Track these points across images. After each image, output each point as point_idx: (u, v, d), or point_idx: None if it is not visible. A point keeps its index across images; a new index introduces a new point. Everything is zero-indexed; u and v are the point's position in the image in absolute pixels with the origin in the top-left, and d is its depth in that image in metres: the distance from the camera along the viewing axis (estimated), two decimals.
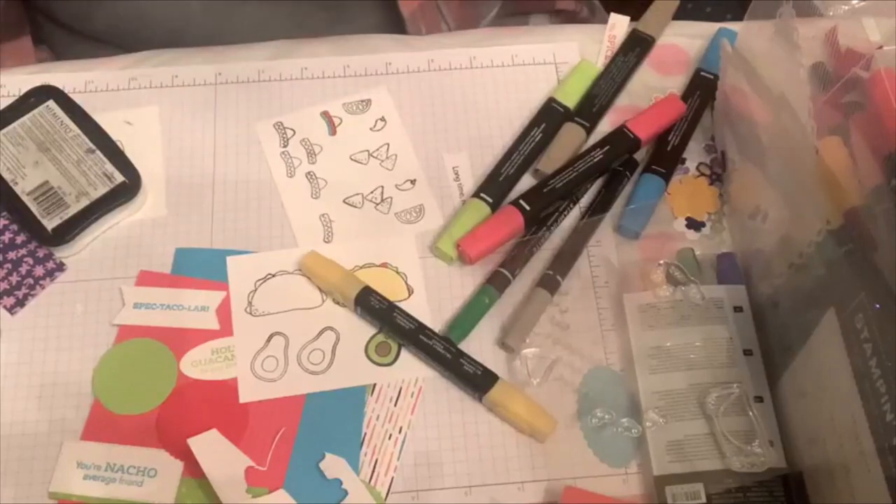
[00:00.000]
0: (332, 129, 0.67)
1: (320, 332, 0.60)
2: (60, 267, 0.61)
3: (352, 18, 0.77)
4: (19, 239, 0.61)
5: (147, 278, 0.61)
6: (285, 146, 0.66)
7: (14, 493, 0.54)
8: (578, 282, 0.62)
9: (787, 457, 0.54)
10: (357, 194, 0.65)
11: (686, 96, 0.68)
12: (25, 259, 0.61)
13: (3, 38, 0.74)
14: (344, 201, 0.64)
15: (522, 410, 0.56)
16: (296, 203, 0.64)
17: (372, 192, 0.65)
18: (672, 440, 0.55)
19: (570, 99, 0.68)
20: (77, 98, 0.65)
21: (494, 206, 0.63)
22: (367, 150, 0.66)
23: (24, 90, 0.65)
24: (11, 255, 0.61)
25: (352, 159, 0.66)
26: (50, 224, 0.60)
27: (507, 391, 0.56)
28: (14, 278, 0.60)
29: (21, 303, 0.60)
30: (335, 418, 0.57)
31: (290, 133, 0.67)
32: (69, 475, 0.54)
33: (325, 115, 0.67)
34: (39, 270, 0.60)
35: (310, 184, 0.65)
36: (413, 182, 0.65)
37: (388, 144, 0.67)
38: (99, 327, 0.59)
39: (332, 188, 0.65)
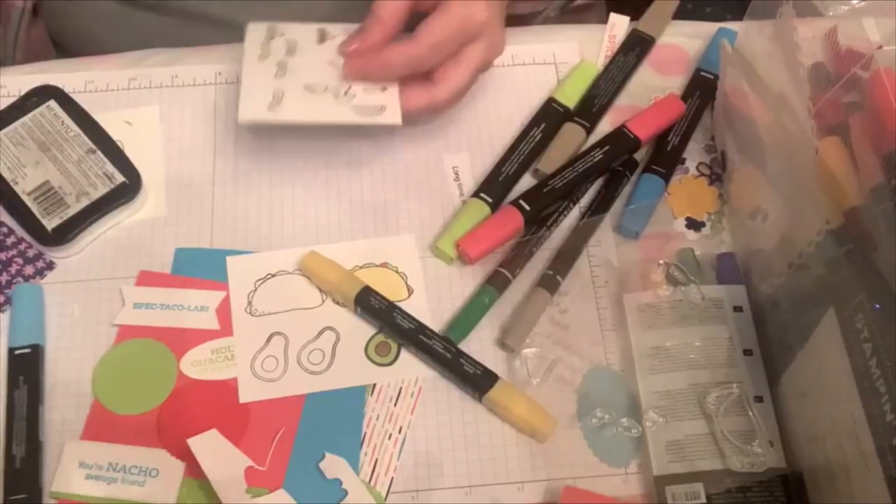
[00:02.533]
0: (322, 39, 0.64)
1: (320, 332, 0.60)
2: (50, 266, 0.61)
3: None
4: (9, 241, 0.61)
5: (147, 278, 0.61)
6: (270, 39, 0.63)
7: None
8: (578, 282, 0.62)
9: (787, 457, 0.54)
10: (323, 85, 0.62)
11: (686, 96, 0.68)
12: (15, 259, 0.61)
13: (31, 58, 0.75)
14: (304, 87, 0.61)
15: (522, 410, 0.56)
16: (255, 75, 0.61)
17: (338, 87, 0.61)
18: (672, 440, 0.55)
19: (570, 99, 0.68)
20: (77, 98, 0.65)
21: (494, 206, 0.63)
22: None
23: (24, 90, 0.65)
24: (1, 255, 0.61)
25: (331, 64, 0.62)
26: (50, 224, 0.60)
27: (507, 391, 0.56)
28: (3, 277, 0.60)
29: (10, 301, 0.60)
30: (335, 418, 0.57)
31: (278, 32, 0.64)
32: (71, 475, 0.54)
33: (321, 31, 0.64)
34: (29, 269, 0.60)
35: (278, 68, 0.62)
36: (384, 89, 0.62)
37: None
38: (99, 327, 0.59)
39: (298, 75, 0.62)
